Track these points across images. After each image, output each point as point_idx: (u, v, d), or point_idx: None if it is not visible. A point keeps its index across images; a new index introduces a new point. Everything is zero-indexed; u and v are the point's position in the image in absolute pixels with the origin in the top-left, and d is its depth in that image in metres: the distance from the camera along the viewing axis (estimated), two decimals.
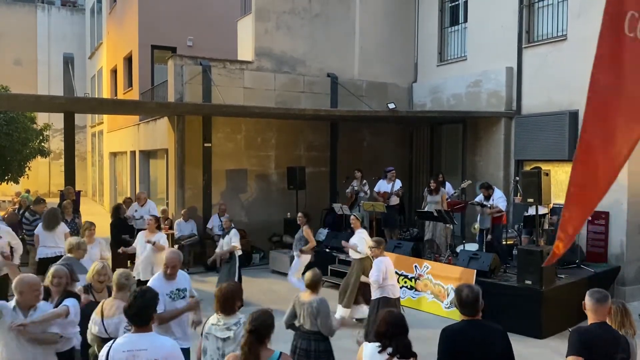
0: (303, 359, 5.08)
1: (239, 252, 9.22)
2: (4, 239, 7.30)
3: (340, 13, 14.21)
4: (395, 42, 14.74)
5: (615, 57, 3.48)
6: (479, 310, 3.70)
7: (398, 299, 7.21)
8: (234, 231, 9.26)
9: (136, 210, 11.37)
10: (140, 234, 8.47)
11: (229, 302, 4.11)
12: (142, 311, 3.46)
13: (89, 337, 4.57)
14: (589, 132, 3.56)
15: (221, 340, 4.05)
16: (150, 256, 8.06)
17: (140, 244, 8.26)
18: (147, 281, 6.95)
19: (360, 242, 8.33)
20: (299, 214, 9.49)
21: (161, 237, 8.27)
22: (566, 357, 3.69)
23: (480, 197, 10.27)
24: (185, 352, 4.80)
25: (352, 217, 8.76)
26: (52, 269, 4.91)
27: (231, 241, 9.12)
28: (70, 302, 4.52)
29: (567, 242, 4.07)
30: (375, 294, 7.03)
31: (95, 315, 4.52)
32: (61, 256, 8.66)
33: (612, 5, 3.40)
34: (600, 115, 3.52)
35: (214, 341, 4.07)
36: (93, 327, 4.50)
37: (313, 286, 5.21)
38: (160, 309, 4.44)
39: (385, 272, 6.89)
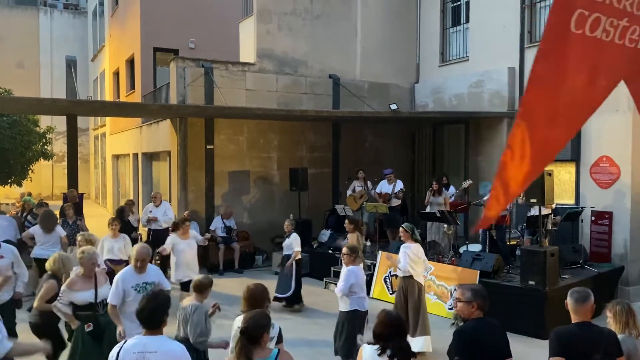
0: None
1: (298, 256, 9.18)
2: (6, 259, 6.18)
3: (342, 14, 14.21)
4: (396, 43, 14.73)
5: (559, 51, 3.71)
6: None
7: (366, 312, 6.44)
8: (294, 235, 9.12)
9: (151, 211, 11.30)
10: (171, 236, 8.44)
11: (258, 302, 4.08)
12: (153, 314, 3.48)
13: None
14: (524, 118, 3.85)
15: None
16: (184, 257, 8.11)
17: (175, 246, 8.22)
18: (186, 282, 7.80)
19: (403, 257, 7.21)
20: (347, 221, 8.75)
21: (198, 237, 8.66)
22: (549, 358, 3.69)
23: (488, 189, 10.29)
24: None
25: (401, 228, 7.51)
26: None
27: (292, 246, 9.06)
28: None
29: (499, 210, 4.45)
30: (343, 306, 6.40)
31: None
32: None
33: (560, 2, 3.59)
34: (537, 104, 3.82)
35: None
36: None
37: (198, 290, 4.99)
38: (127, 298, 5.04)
39: (355, 284, 6.28)
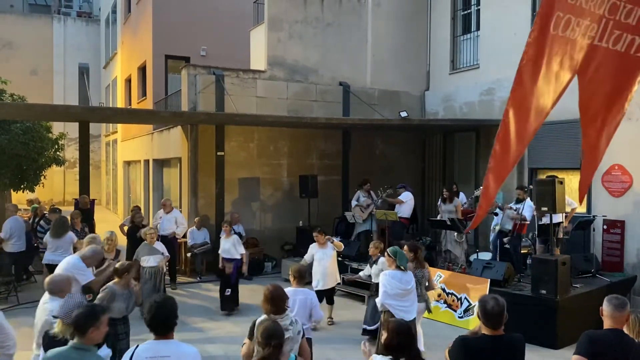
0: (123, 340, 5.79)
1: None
2: None
3: (353, 22, 14.27)
4: (407, 51, 14.75)
5: (539, 55, 3.98)
6: (503, 324, 3.60)
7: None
8: (382, 260, 7.37)
9: (160, 217, 11.35)
10: (312, 246, 8.78)
11: (280, 301, 4.35)
12: (165, 321, 3.51)
13: None
14: (508, 116, 4.10)
15: None
16: (320, 265, 8.47)
17: (314, 255, 8.60)
18: (319, 291, 8.27)
19: (381, 290, 6.31)
20: (406, 247, 7.13)
21: (331, 247, 8.70)
22: (573, 355, 3.64)
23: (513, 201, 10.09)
24: None
25: (385, 253, 6.66)
26: None
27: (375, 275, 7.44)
28: None
29: (487, 207, 4.61)
30: None
31: None
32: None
33: (544, 6, 3.81)
34: (519, 102, 4.11)
35: None
36: None
37: (116, 274, 5.89)
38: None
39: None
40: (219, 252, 9.55)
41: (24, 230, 10.69)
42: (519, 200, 9.82)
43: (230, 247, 9.28)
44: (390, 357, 3.59)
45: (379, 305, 6.34)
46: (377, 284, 7.01)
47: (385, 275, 6.29)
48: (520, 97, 3.94)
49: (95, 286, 6.12)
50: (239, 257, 9.31)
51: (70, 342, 3.50)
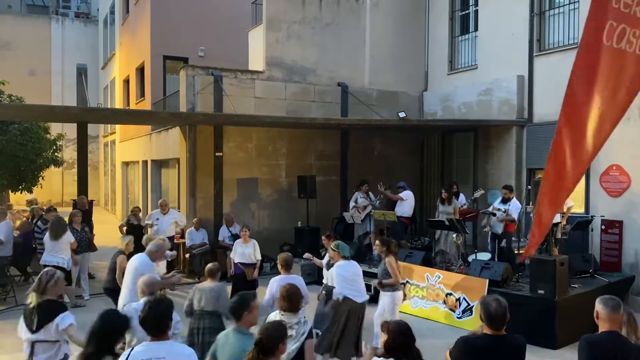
0: (208, 335, 5.64)
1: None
2: None
3: (351, 22, 14.27)
4: (405, 51, 14.76)
5: (592, 67, 3.67)
6: (505, 324, 3.61)
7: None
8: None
9: (157, 219, 11.30)
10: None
11: (296, 298, 4.45)
12: (158, 321, 3.53)
13: None
14: (562, 134, 3.80)
15: None
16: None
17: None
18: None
19: (338, 281, 6.65)
20: (377, 241, 7.45)
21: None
22: None
23: (498, 200, 10.10)
24: None
25: (330, 248, 7.08)
26: None
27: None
28: None
29: (541, 237, 4.35)
30: None
31: None
32: (60, 267, 8.97)
33: (593, 12, 3.56)
34: (570, 118, 3.76)
35: None
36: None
37: (211, 275, 6.04)
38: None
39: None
40: (232, 256, 9.39)
41: (12, 235, 10.65)
42: (505, 200, 9.84)
43: (251, 252, 9.18)
44: (392, 359, 3.55)
45: (337, 294, 6.64)
46: (328, 287, 7.22)
47: (338, 266, 6.74)
48: (571, 113, 3.61)
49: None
50: (255, 261, 9.25)
51: (232, 326, 4.10)
